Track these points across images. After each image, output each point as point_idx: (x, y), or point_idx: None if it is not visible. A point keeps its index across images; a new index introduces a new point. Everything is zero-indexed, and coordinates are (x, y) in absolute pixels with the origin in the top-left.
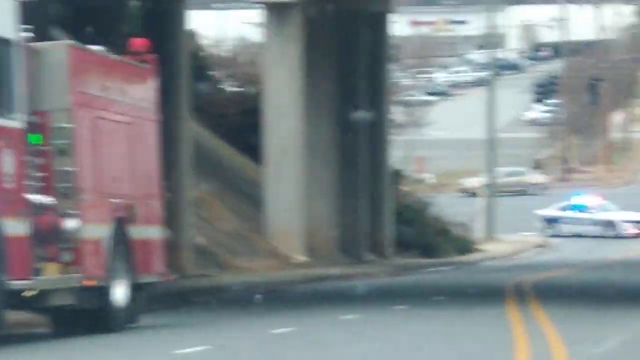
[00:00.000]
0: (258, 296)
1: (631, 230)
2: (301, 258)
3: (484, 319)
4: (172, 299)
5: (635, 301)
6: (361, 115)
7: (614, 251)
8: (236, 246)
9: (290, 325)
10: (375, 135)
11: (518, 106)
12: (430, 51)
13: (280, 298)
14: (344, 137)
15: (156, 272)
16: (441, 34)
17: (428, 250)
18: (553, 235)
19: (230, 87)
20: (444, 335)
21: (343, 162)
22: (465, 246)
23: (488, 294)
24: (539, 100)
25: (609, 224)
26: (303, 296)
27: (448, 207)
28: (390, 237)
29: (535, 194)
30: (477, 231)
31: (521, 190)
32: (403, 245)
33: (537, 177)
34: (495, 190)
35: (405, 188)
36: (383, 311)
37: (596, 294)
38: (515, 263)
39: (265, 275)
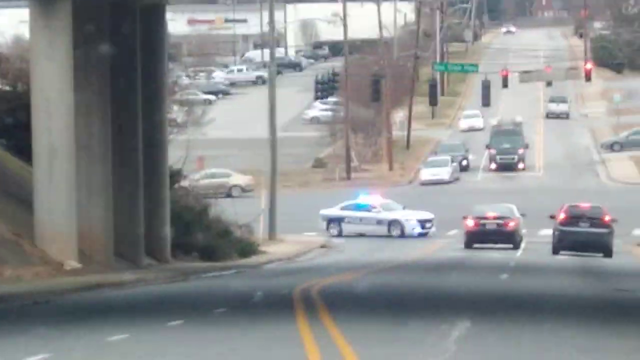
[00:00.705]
0: None
1: (416, 229)
2: (74, 264)
3: (271, 338)
4: None
5: (429, 310)
6: (138, 113)
7: (401, 251)
8: (4, 253)
9: (39, 352)
10: (153, 135)
11: (299, 105)
12: (209, 50)
13: (36, 312)
14: (119, 136)
15: None
16: (220, 32)
17: (209, 253)
18: (337, 235)
19: (1, 86)
20: None
21: (118, 163)
22: (247, 248)
23: (274, 304)
24: (319, 98)
25: (394, 223)
26: (64, 310)
27: (230, 207)
28: (169, 240)
29: (239, 196)
30: (260, 232)
31: (224, 193)
32: (183, 248)
33: (242, 179)
34: (275, 189)
35: (185, 189)
36: (156, 328)
37: (390, 302)
38: (300, 265)
39: (32, 284)
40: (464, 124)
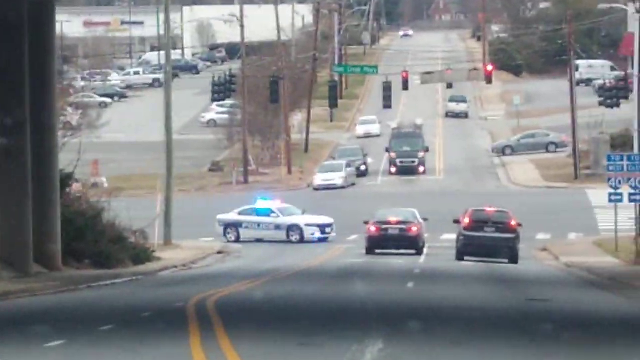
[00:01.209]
0: None
1: (316, 234)
2: None
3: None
4: None
5: (337, 326)
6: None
7: (300, 258)
8: None
9: None
10: (43, 137)
11: (196, 108)
12: (105, 52)
13: None
14: (5, 137)
15: None
16: (117, 34)
17: (102, 260)
18: (234, 241)
19: None
20: None
21: (5, 166)
22: (142, 255)
23: (166, 318)
24: (216, 100)
25: (293, 228)
26: None
27: (124, 212)
28: (59, 248)
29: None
30: (155, 237)
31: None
32: (74, 255)
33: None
34: (171, 193)
35: (78, 193)
36: (31, 351)
37: (292, 317)
38: (196, 273)
39: None
40: (360, 130)
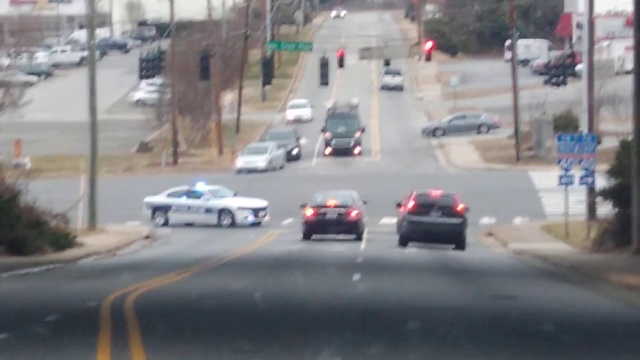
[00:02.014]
0: None
1: (249, 218)
2: None
3: None
4: None
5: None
6: None
7: (233, 244)
8: None
9: None
10: None
11: (125, 87)
12: (32, 30)
13: None
14: None
15: None
16: (44, 12)
17: (18, 246)
18: (163, 225)
19: None
20: None
21: None
22: (62, 240)
23: (73, 327)
24: (144, 77)
25: (225, 211)
26: None
27: (45, 194)
28: None
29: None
30: (79, 221)
31: None
32: None
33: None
34: (96, 175)
35: None
36: None
37: (225, 320)
38: (120, 261)
39: None
40: (290, 114)
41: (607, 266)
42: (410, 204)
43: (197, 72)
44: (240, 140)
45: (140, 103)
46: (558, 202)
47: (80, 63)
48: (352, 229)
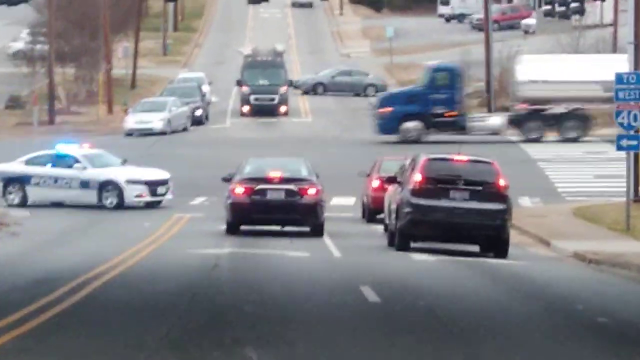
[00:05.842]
0: None
1: (143, 197)
2: None
3: None
4: None
5: None
6: None
7: (113, 241)
8: None
9: None
10: None
11: (6, 38)
12: None
13: None
14: None
15: None
16: None
17: None
18: (19, 204)
19: None
20: None
21: None
22: None
23: None
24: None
25: (109, 186)
26: None
27: None
28: None
29: None
30: None
31: None
32: None
33: None
34: None
35: None
36: None
37: None
38: None
39: None
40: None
41: None
42: (416, 177)
43: (83, 9)
44: (136, 97)
45: (20, 55)
46: (568, 176)
47: None
48: (308, 216)
